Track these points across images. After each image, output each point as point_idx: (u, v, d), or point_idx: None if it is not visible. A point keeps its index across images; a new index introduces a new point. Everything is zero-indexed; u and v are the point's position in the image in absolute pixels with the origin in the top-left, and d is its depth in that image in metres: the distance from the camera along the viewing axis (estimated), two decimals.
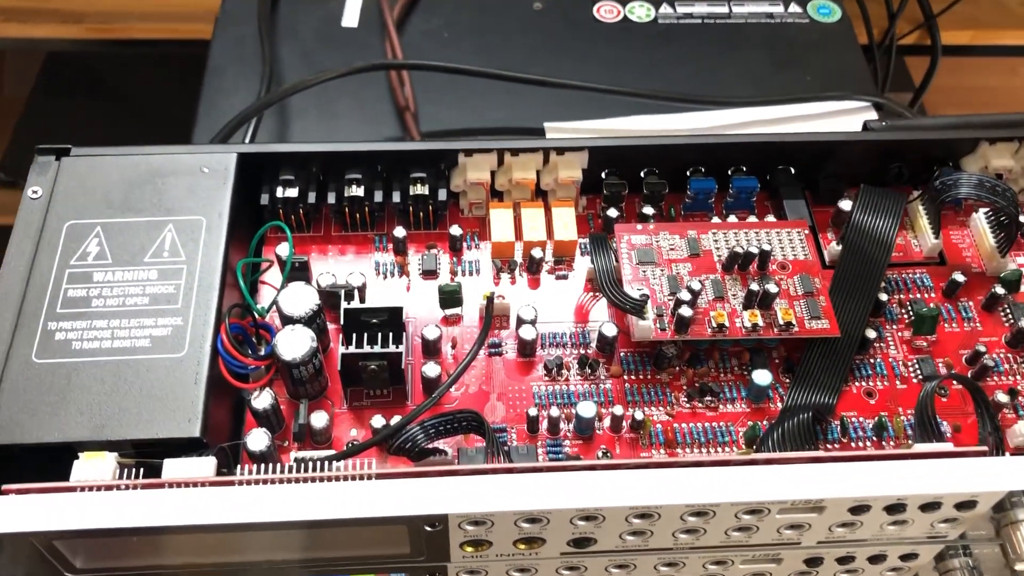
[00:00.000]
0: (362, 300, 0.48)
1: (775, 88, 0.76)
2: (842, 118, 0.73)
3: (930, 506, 0.41)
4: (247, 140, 0.67)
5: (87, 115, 1.03)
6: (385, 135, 0.72)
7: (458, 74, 0.72)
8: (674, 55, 0.78)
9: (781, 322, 0.46)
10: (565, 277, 0.52)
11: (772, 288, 0.46)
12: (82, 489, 0.38)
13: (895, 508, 0.41)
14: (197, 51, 0.78)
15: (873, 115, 0.74)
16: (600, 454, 0.46)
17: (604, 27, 0.80)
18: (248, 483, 0.39)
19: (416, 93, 0.74)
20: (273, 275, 0.50)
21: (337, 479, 0.39)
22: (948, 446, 0.43)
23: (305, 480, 0.39)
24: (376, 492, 0.38)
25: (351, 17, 0.80)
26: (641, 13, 0.81)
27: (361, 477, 0.39)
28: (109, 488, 0.39)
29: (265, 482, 0.39)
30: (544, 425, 0.46)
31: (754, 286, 0.47)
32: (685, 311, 0.46)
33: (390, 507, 0.38)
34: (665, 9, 0.81)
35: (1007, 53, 1.10)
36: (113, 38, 1.09)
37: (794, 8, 0.82)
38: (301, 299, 0.45)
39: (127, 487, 0.39)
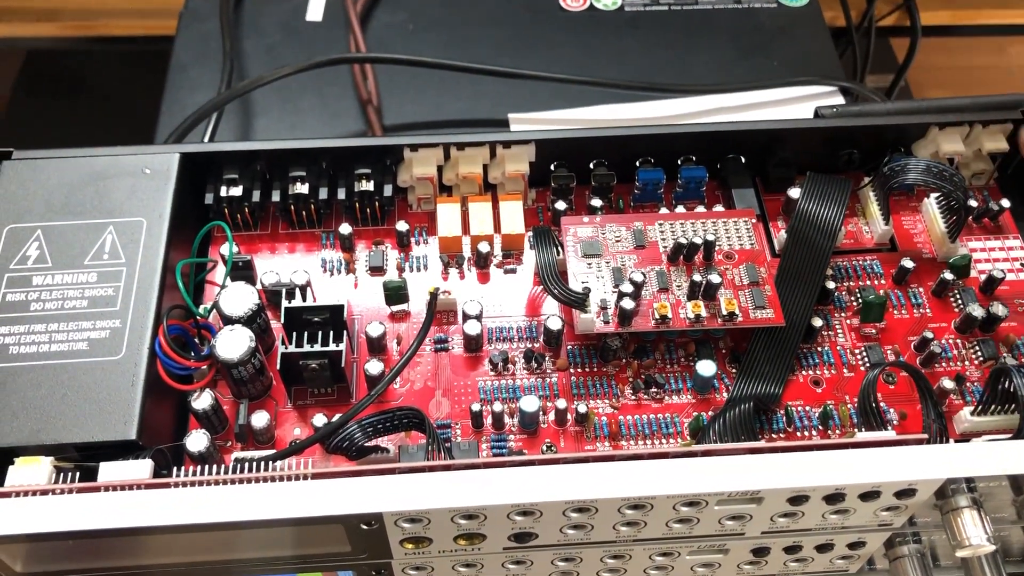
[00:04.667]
0: (305, 298, 0.48)
1: (743, 74, 0.75)
2: (808, 104, 0.73)
3: (870, 495, 0.41)
4: (206, 138, 0.67)
5: (68, 113, 1.02)
6: (349, 129, 0.72)
7: (420, 67, 0.71)
8: (641, 43, 0.78)
9: (724, 312, 0.46)
10: (514, 271, 0.52)
11: (715, 279, 0.46)
12: (16, 494, 0.38)
13: (835, 498, 0.41)
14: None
15: (840, 100, 0.73)
16: (544, 448, 0.46)
17: (570, 16, 0.80)
18: (183, 484, 0.39)
19: (380, 87, 0.73)
20: (221, 275, 0.50)
21: (272, 479, 0.39)
22: (889, 434, 0.42)
23: (239, 481, 0.39)
24: (309, 492, 0.38)
25: (315, 11, 0.80)
26: (608, 1, 0.80)
27: (297, 477, 0.39)
28: (44, 492, 0.39)
29: (199, 483, 0.39)
30: (488, 420, 0.46)
31: (697, 277, 0.46)
32: (627, 303, 0.45)
33: (322, 507, 0.38)
34: None
35: (993, 32, 1.10)
36: (89, 35, 1.09)
37: None
38: (240, 299, 0.45)
39: (62, 491, 0.39)
